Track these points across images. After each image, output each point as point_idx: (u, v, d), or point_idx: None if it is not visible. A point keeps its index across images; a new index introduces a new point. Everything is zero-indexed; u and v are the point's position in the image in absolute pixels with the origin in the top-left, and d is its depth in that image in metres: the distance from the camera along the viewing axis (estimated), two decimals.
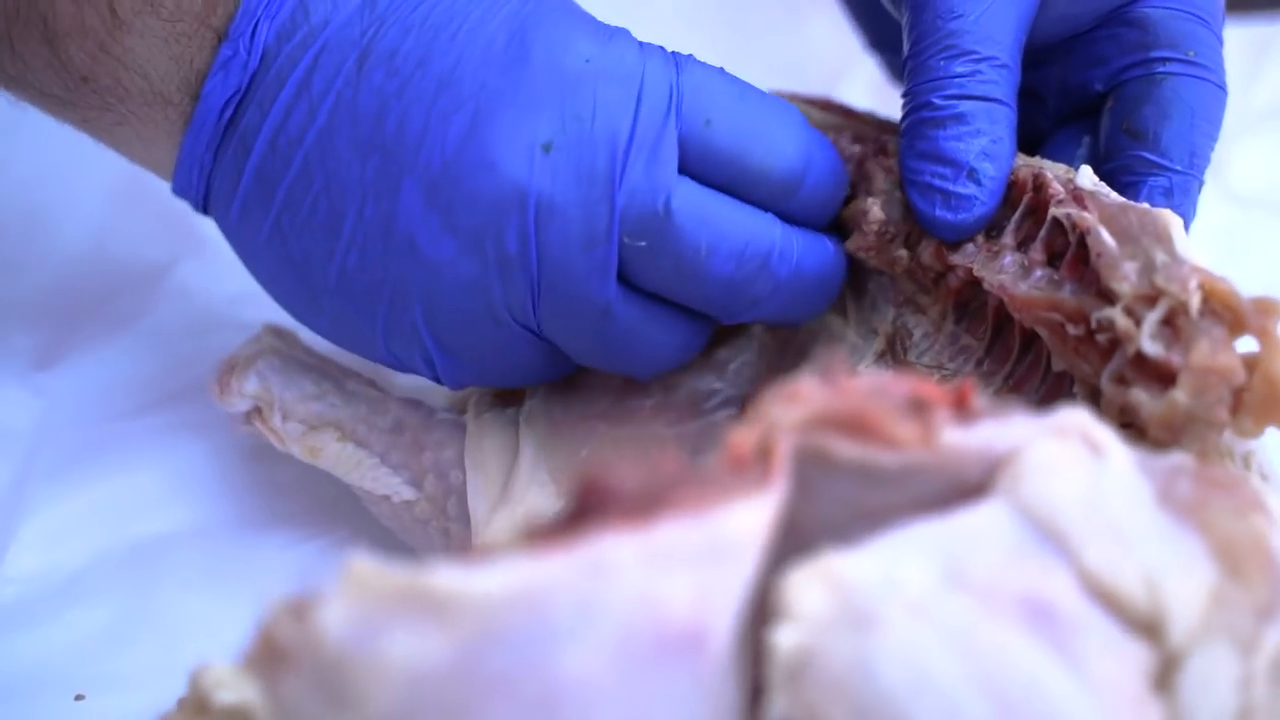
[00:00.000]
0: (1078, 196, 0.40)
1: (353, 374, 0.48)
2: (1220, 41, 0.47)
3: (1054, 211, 0.40)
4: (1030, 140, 0.48)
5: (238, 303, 0.60)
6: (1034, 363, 0.41)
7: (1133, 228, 0.38)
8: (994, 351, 0.43)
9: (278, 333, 0.48)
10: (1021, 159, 0.44)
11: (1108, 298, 0.37)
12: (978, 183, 0.43)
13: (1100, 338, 0.37)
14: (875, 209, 0.45)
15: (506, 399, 0.48)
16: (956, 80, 0.43)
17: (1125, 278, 0.37)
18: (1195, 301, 0.35)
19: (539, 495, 0.43)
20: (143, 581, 0.49)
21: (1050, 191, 0.41)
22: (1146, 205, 0.39)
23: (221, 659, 0.31)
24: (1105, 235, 0.38)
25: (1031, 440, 0.31)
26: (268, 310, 0.60)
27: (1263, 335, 0.35)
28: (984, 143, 0.43)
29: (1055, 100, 0.50)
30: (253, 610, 0.46)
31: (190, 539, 0.51)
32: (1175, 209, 0.44)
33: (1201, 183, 0.46)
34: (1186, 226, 0.45)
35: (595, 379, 0.48)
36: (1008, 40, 0.44)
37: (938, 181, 0.43)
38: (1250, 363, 0.35)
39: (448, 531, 0.46)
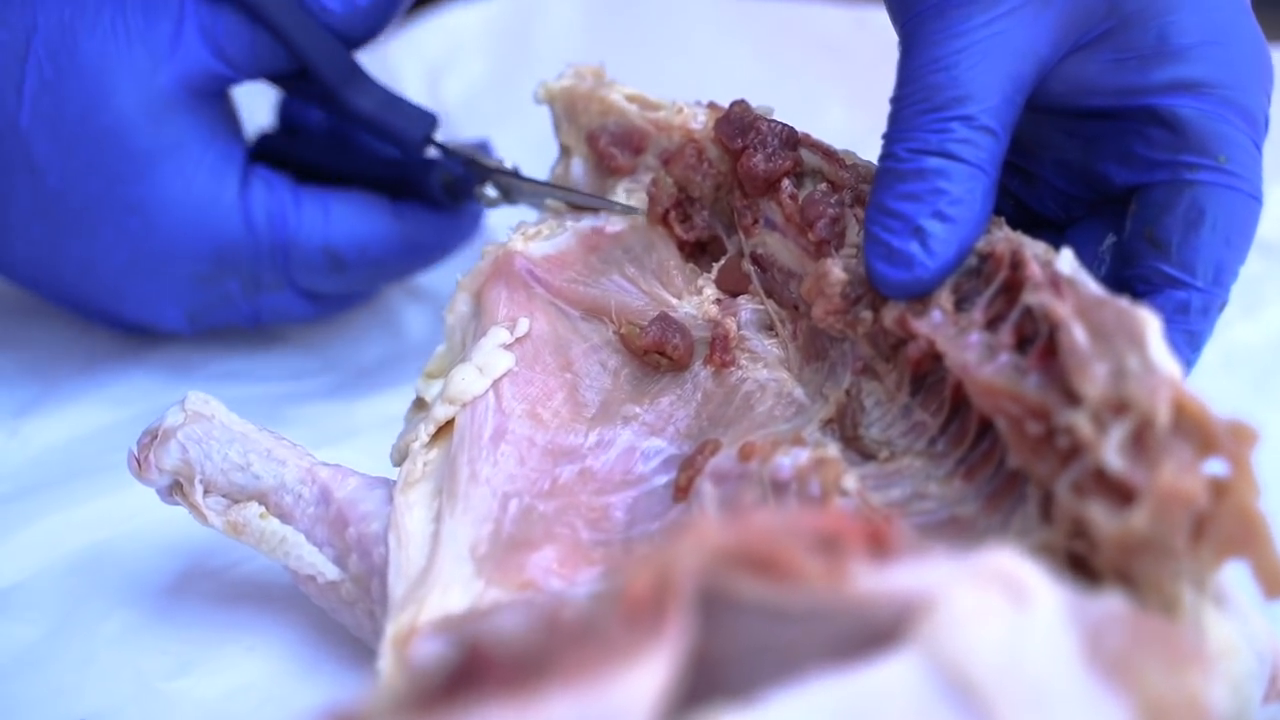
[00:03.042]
0: (1055, 282, 0.37)
1: (284, 439, 0.45)
2: (1258, 146, 0.43)
3: (1027, 299, 0.37)
4: (1049, 223, 0.46)
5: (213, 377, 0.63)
6: (989, 452, 0.38)
7: (1108, 325, 0.35)
8: (949, 432, 0.40)
9: (203, 400, 0.45)
10: (1004, 232, 0.41)
11: (1073, 398, 0.35)
12: (923, 243, 0.40)
13: (1061, 440, 0.35)
14: (835, 270, 0.42)
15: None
16: (925, 135, 0.41)
17: (1094, 380, 0.34)
18: (1165, 417, 0.33)
19: (456, 573, 0.40)
20: (72, 596, 0.48)
21: (1027, 273, 0.38)
22: (1126, 301, 0.36)
23: None
24: (1078, 332, 0.35)
25: (950, 586, 0.28)
26: (245, 383, 0.62)
27: (1236, 461, 0.32)
28: (940, 202, 0.40)
29: (1078, 186, 0.47)
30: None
31: (124, 552, 0.51)
32: (1190, 327, 0.42)
33: (1225, 301, 0.43)
34: (1200, 347, 0.43)
35: (522, 441, 0.44)
36: (992, 101, 0.41)
37: (884, 234, 0.41)
38: (1218, 487, 0.32)
39: (373, 614, 0.43)
